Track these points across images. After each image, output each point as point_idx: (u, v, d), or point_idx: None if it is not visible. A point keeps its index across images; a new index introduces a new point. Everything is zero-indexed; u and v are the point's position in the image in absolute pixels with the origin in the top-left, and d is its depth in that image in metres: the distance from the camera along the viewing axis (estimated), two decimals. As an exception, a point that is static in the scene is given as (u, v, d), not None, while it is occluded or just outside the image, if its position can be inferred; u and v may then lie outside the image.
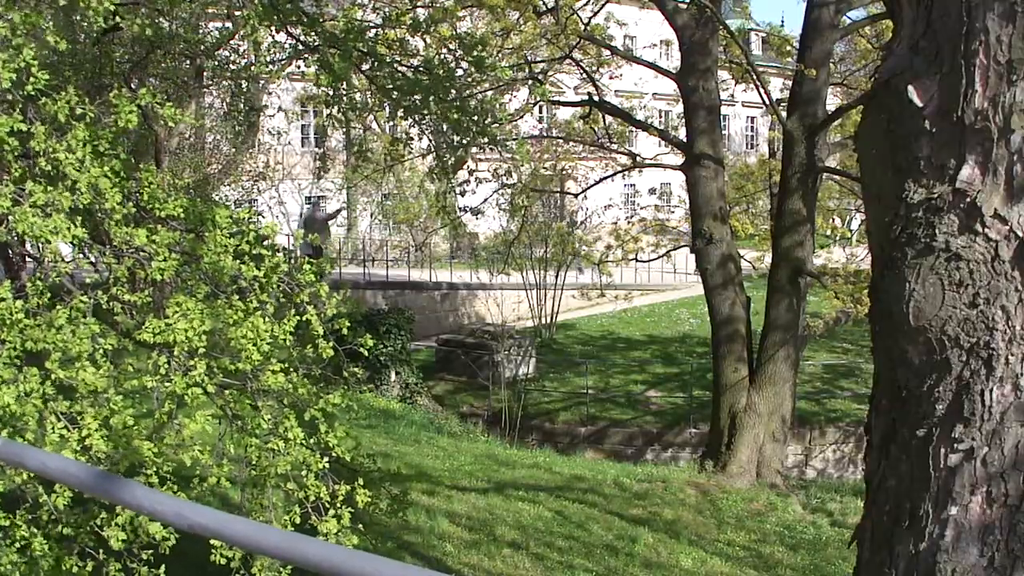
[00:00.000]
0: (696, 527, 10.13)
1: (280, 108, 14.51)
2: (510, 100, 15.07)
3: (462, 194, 13.61)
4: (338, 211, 24.40)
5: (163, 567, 4.49)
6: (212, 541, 3.88)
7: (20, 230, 4.08)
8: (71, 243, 4.41)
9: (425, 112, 8.03)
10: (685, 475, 12.55)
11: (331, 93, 8.21)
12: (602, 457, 16.42)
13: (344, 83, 8.04)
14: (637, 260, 17.95)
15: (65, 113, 4.30)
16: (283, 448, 4.68)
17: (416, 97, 7.74)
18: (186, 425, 4.34)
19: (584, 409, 18.38)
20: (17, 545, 4.09)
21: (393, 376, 18.14)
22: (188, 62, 9.54)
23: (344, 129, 10.30)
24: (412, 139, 11.03)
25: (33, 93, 4.38)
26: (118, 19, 5.93)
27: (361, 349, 5.24)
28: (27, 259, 6.08)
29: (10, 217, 4.10)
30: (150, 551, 4.40)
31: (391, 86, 7.80)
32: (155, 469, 4.32)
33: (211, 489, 5.06)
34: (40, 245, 4.44)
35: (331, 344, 5.00)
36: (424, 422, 16.24)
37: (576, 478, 11.91)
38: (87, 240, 4.54)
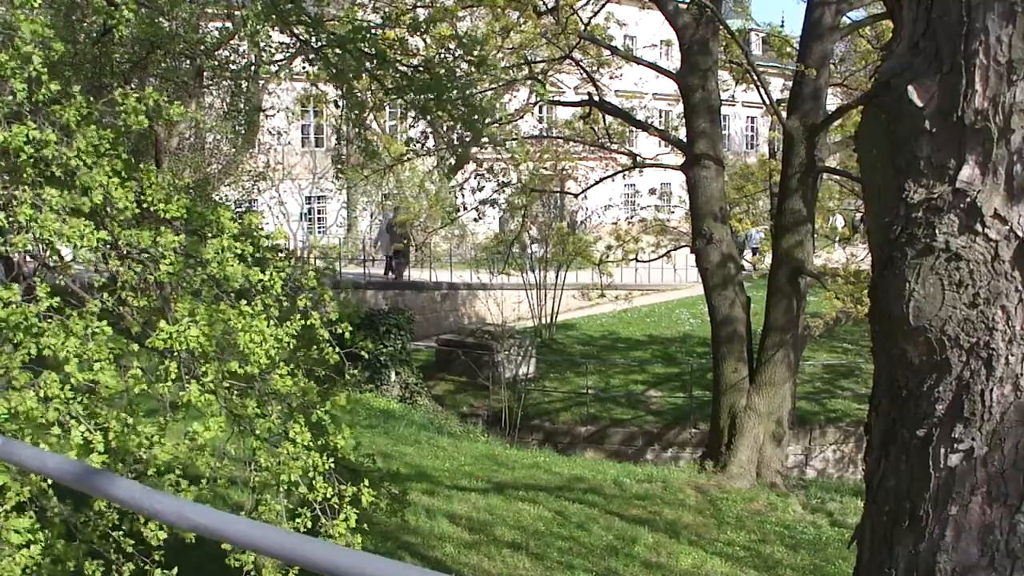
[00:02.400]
0: (696, 527, 10.13)
1: (273, 107, 14.53)
2: (510, 100, 15.10)
3: (480, 189, 13.65)
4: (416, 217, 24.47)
5: (175, 569, 4.49)
6: (224, 546, 3.88)
7: (44, 236, 4.09)
8: (95, 246, 4.40)
9: (438, 112, 8.06)
10: (685, 475, 12.55)
11: (342, 94, 8.22)
12: (602, 457, 16.42)
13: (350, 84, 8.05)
14: (637, 260, 17.96)
15: (75, 119, 4.31)
16: (292, 451, 4.68)
17: (429, 96, 7.76)
18: (200, 433, 4.34)
19: (584, 409, 18.38)
20: (40, 547, 4.08)
21: (393, 376, 18.13)
22: (188, 62, 9.53)
23: (357, 132, 10.33)
24: (427, 138, 11.04)
25: (43, 100, 4.38)
26: (121, 16, 5.92)
27: (361, 351, 5.25)
28: (27, 259, 6.07)
29: (32, 223, 4.11)
30: (161, 551, 4.40)
31: (401, 86, 7.82)
32: (156, 469, 4.32)
33: (212, 490, 5.07)
34: (42, 247, 4.44)
35: (335, 349, 5.01)
36: (424, 422, 16.24)
37: (576, 478, 11.91)
38: (99, 243, 4.54)
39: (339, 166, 14.56)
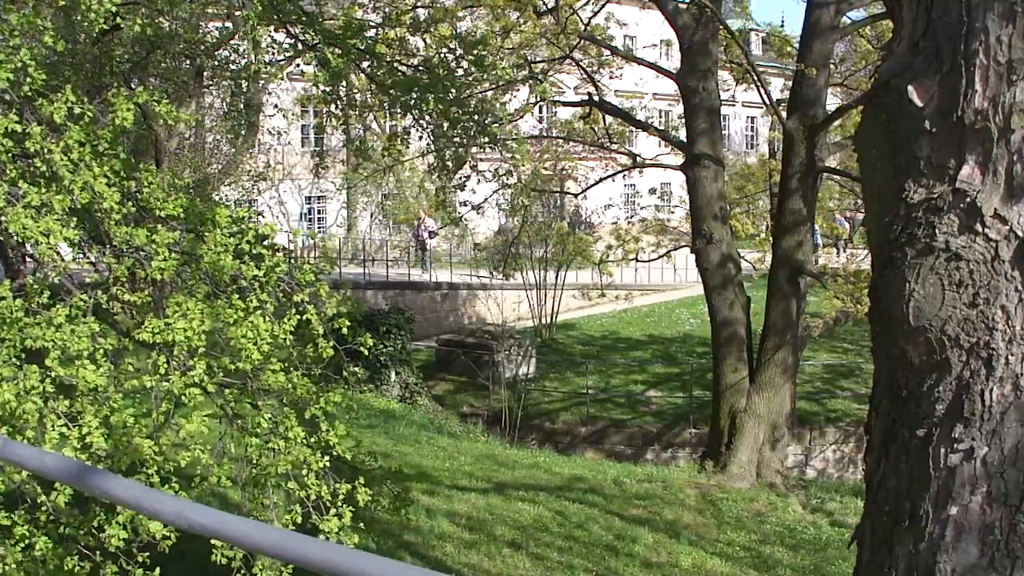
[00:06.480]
0: (696, 527, 10.13)
1: (277, 107, 14.51)
2: (510, 100, 15.09)
3: (461, 188, 13.61)
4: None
5: (158, 570, 4.47)
6: (213, 541, 3.88)
7: (13, 230, 4.08)
8: (66, 244, 4.40)
9: (424, 109, 8.04)
10: (685, 475, 12.55)
11: (329, 91, 8.22)
12: (602, 457, 16.42)
13: (343, 81, 8.04)
14: (637, 260, 17.95)
15: (62, 114, 4.30)
16: (283, 447, 4.67)
17: (414, 94, 7.75)
18: (183, 426, 4.33)
19: (584, 409, 18.38)
20: (21, 545, 4.08)
21: (393, 376, 18.13)
22: (188, 62, 9.54)
23: (343, 128, 10.30)
24: (408, 135, 11.02)
25: (30, 94, 4.38)
26: (118, 20, 5.93)
27: (361, 348, 5.24)
28: (27, 259, 6.08)
29: (3, 217, 4.10)
30: (147, 552, 4.39)
31: (396, 81, 7.81)
32: (155, 468, 4.32)
33: (211, 489, 5.06)
34: (34, 244, 4.45)
35: (331, 344, 5.00)
36: (424, 422, 16.23)
37: (576, 478, 11.91)
38: (85, 240, 4.54)
39: (319, 159, 14.61)
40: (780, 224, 13.21)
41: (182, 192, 4.80)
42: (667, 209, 30.03)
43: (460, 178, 13.32)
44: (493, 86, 12.23)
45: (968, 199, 2.04)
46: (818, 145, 12.73)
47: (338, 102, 8.53)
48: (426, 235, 28.02)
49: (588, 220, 29.49)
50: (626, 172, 18.86)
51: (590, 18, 14.31)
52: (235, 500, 7.31)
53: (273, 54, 8.35)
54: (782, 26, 42.96)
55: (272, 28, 7.61)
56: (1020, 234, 2.01)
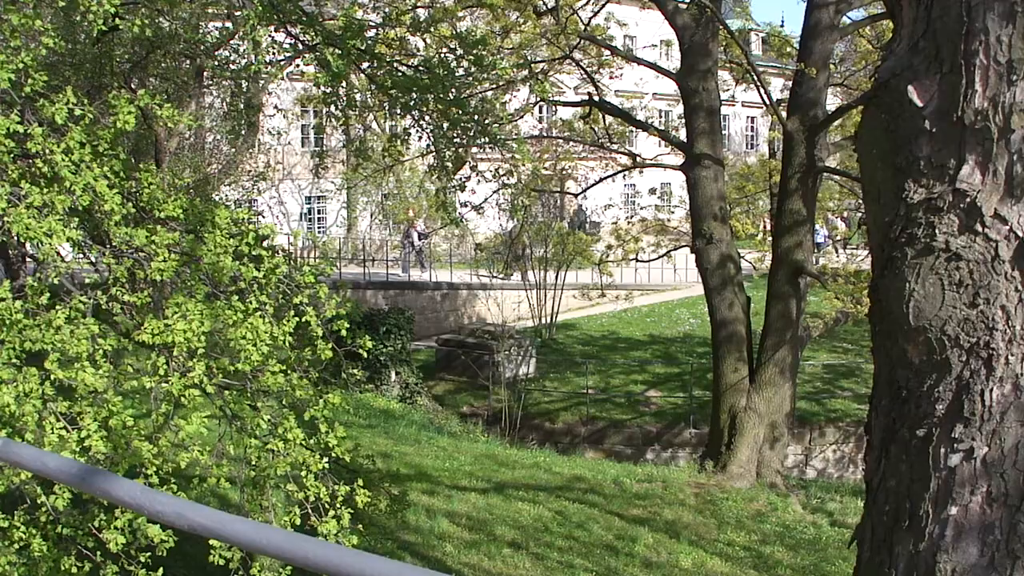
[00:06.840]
0: (696, 527, 10.13)
1: (277, 107, 14.51)
2: (510, 100, 15.09)
3: (461, 189, 13.61)
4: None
5: (161, 570, 4.48)
6: (211, 541, 3.88)
7: (16, 231, 4.08)
8: (68, 244, 4.41)
9: (424, 109, 8.04)
10: (685, 475, 12.54)
11: (329, 92, 8.22)
12: (602, 457, 16.42)
13: (343, 82, 8.04)
14: (637, 260, 17.96)
15: (63, 115, 4.30)
16: (283, 449, 4.67)
17: (414, 94, 7.74)
18: (182, 427, 4.33)
19: (584, 409, 18.38)
20: (16, 546, 4.08)
21: (393, 376, 18.13)
22: (188, 62, 9.54)
23: (343, 128, 10.29)
24: (408, 135, 11.02)
25: (31, 94, 4.38)
26: (118, 20, 5.94)
27: (360, 351, 5.24)
28: (27, 259, 6.08)
29: (6, 218, 4.11)
30: (148, 553, 4.39)
31: (396, 81, 7.81)
32: (155, 469, 4.32)
33: (211, 489, 5.06)
34: (37, 245, 4.45)
35: (330, 345, 5.00)
36: (424, 422, 16.23)
37: (576, 478, 11.91)
38: (85, 241, 4.54)
39: (319, 159, 14.65)
40: (780, 224, 13.21)
41: (182, 192, 4.81)
42: (667, 209, 30.00)
43: (460, 178, 13.31)
44: (493, 86, 12.23)
45: (968, 199, 2.04)
46: (818, 145, 12.72)
47: (338, 103, 8.54)
48: (415, 237, 28.33)
49: (590, 219, 29.56)
50: (626, 172, 18.85)
51: (590, 18, 14.30)
52: (234, 501, 7.31)
53: (273, 54, 8.35)
54: (782, 26, 42.91)
55: (272, 28, 7.60)
56: (1020, 234, 2.01)
